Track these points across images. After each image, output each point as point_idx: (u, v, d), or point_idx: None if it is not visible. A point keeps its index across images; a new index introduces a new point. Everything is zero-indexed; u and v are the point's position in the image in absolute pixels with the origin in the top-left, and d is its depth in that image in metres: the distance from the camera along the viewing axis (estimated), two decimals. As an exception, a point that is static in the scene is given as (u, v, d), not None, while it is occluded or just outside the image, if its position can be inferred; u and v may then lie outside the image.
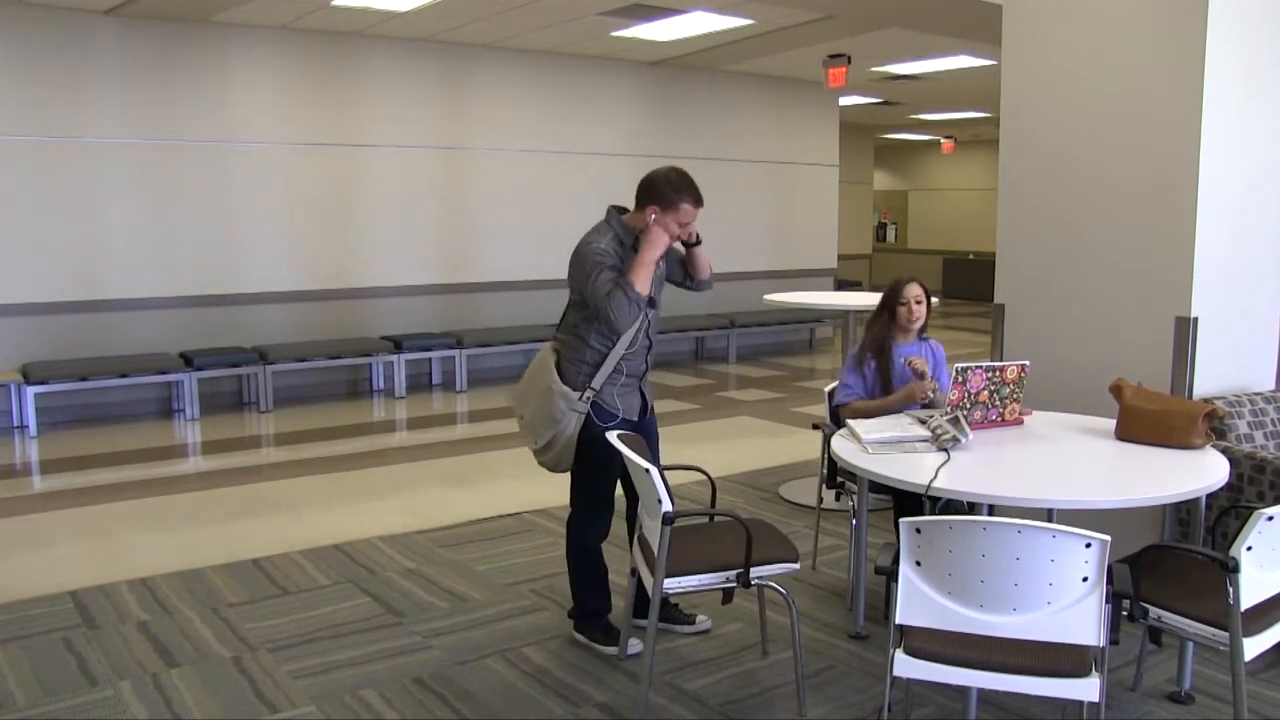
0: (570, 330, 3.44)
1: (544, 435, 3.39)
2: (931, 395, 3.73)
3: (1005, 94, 4.36)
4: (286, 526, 4.97)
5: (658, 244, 3.28)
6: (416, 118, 8.79)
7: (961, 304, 16.13)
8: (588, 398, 3.36)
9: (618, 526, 3.62)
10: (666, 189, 3.30)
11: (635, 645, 3.47)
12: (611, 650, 3.50)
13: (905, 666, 2.42)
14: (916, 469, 2.95)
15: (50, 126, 7.23)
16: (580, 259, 3.31)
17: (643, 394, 3.54)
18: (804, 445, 6.41)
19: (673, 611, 3.68)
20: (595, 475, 3.46)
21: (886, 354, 3.95)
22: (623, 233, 3.37)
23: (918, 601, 2.44)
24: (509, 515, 5.12)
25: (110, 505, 5.37)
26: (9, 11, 7.00)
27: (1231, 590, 2.48)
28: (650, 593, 2.97)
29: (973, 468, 3.03)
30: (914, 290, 3.96)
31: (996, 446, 3.28)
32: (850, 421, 3.44)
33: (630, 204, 3.43)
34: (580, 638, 3.61)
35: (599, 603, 3.60)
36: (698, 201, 3.34)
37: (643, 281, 3.23)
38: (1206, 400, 3.62)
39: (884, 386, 3.91)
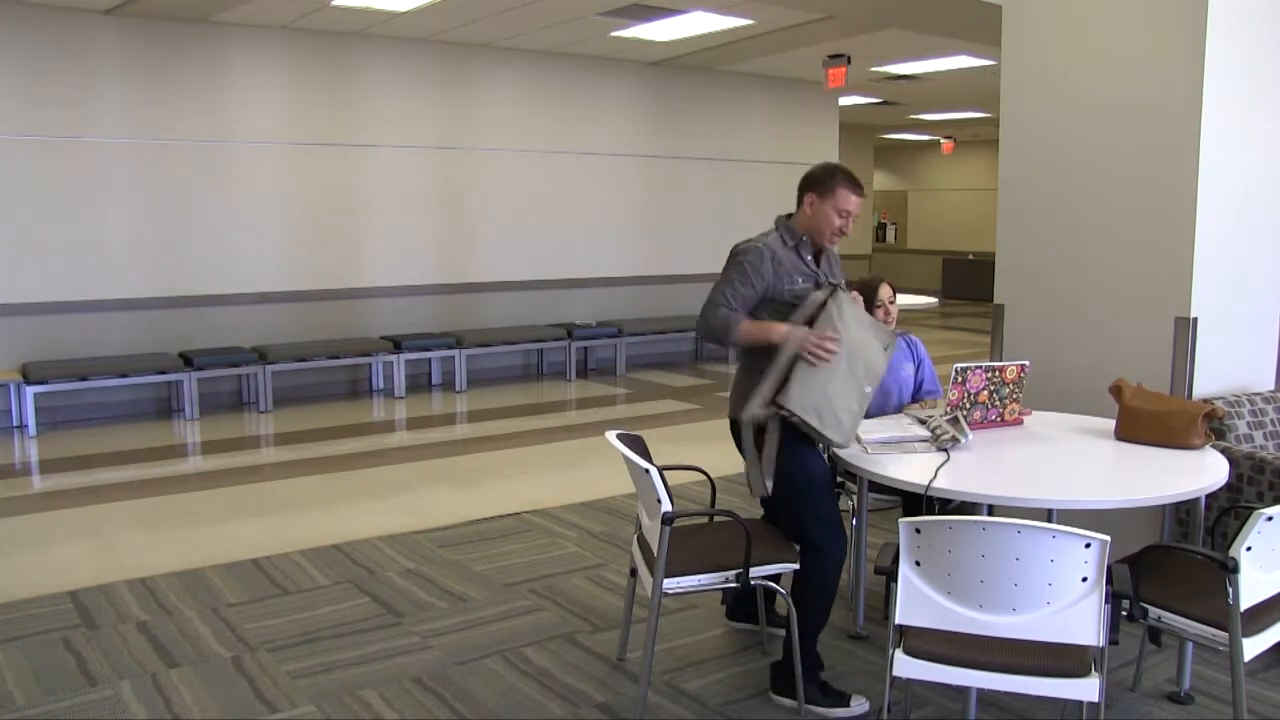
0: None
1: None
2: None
3: (1005, 94, 4.36)
4: (286, 526, 4.97)
5: (783, 343, 3.05)
6: (416, 118, 8.79)
7: (961, 304, 16.12)
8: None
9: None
10: (822, 175, 3.20)
11: (861, 703, 3.10)
12: (841, 712, 3.08)
13: (905, 666, 2.42)
14: (916, 469, 2.95)
15: (50, 126, 7.23)
16: (729, 257, 3.21)
17: None
18: (804, 445, 6.40)
19: (771, 614, 3.59)
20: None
21: None
22: (787, 235, 3.23)
23: (917, 601, 2.44)
24: (508, 515, 5.11)
25: (110, 505, 5.37)
26: (9, 11, 7.00)
27: (1231, 590, 2.49)
28: (649, 592, 2.97)
29: (972, 468, 3.03)
30: (886, 292, 3.89)
31: (996, 446, 3.28)
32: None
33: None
34: (784, 701, 3.15)
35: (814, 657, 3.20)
36: (857, 188, 3.18)
37: (748, 336, 3.12)
38: (1206, 400, 3.62)
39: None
